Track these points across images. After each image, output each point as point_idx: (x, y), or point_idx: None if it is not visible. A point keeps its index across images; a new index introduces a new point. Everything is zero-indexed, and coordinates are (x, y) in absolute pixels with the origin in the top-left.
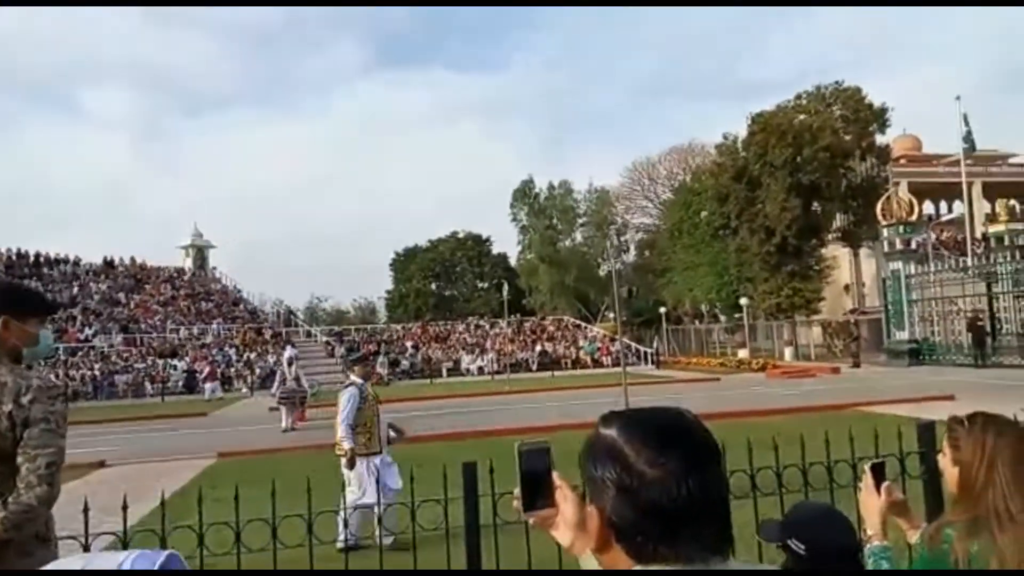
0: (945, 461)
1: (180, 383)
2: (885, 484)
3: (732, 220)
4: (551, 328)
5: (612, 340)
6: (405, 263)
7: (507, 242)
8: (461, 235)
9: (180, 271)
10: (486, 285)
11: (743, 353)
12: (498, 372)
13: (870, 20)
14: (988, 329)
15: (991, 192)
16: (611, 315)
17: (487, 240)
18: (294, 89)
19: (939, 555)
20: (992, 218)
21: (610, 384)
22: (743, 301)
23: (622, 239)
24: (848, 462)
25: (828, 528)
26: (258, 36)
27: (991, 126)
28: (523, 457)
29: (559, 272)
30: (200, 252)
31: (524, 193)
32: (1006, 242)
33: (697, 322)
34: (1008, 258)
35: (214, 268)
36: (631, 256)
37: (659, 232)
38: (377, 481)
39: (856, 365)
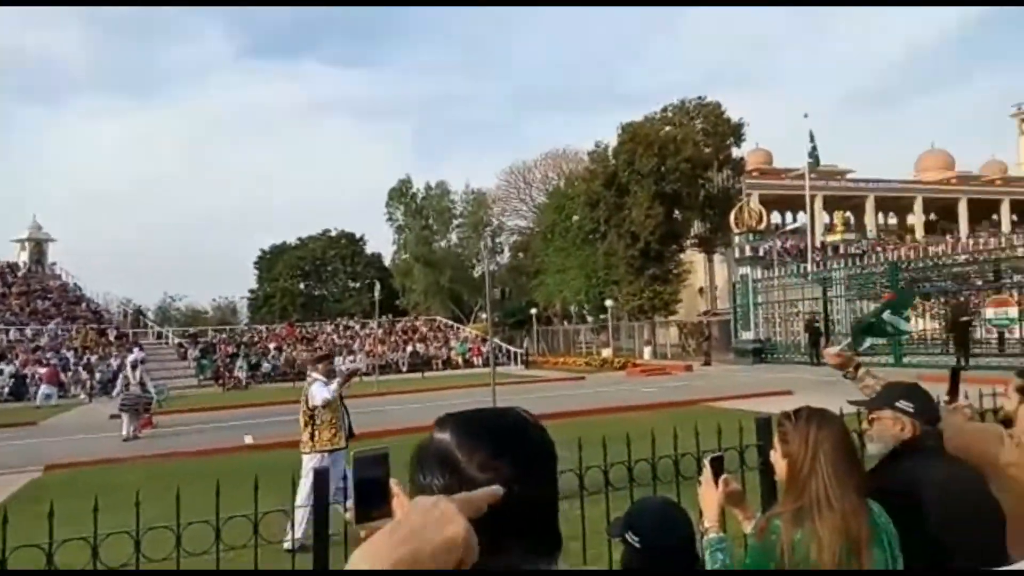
0: (775, 455)
1: (7, 389)
2: (723, 476)
3: (602, 225)
4: (423, 329)
5: (483, 341)
6: (271, 261)
7: (382, 242)
8: (333, 233)
9: (13, 266)
10: (358, 285)
11: (607, 352)
12: (366, 374)
13: (732, 40)
14: (823, 330)
15: (830, 204)
16: (484, 316)
17: (360, 239)
18: (150, 78)
19: (768, 546)
20: (830, 228)
21: (479, 384)
22: (608, 303)
23: (497, 241)
24: (693, 455)
25: (663, 522)
26: (113, 21)
27: (833, 144)
28: (358, 465)
29: (434, 273)
30: (38, 246)
31: (401, 193)
32: (841, 250)
33: (566, 323)
34: (842, 264)
35: (53, 264)
36: (505, 258)
37: (533, 235)
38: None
39: (707, 363)
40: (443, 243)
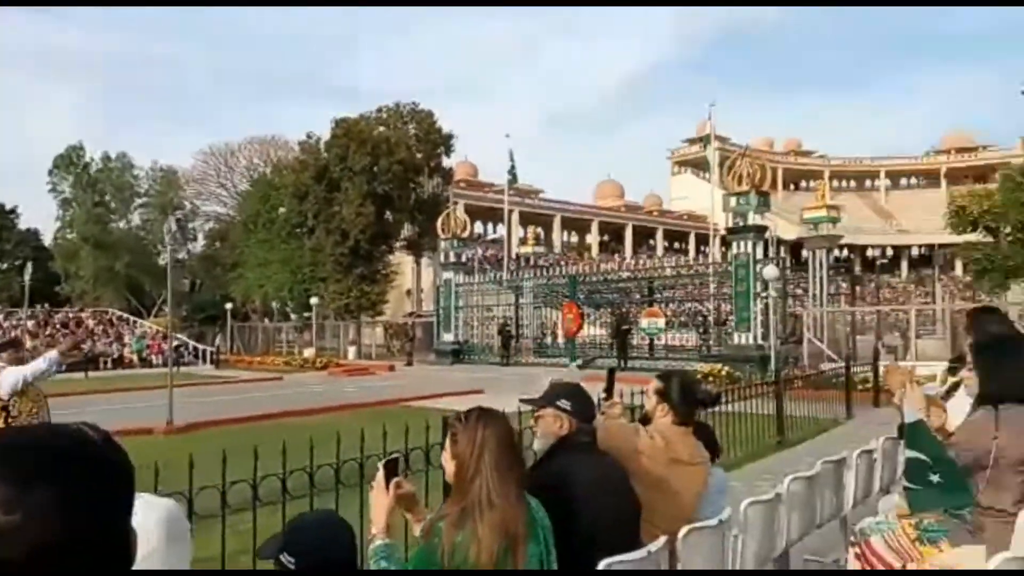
0: (445, 456)
1: None
2: (394, 480)
3: (309, 219)
4: (90, 322)
5: (166, 336)
6: None
7: (41, 216)
8: None
9: None
10: (5, 266)
11: (309, 352)
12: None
13: (449, 52)
14: (513, 333)
15: (526, 219)
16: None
17: (12, 212)
18: None
19: (430, 548)
20: (524, 241)
21: (155, 386)
22: (314, 300)
23: (189, 226)
24: (379, 457)
25: (320, 538)
26: None
27: (532, 164)
28: None
29: (107, 257)
30: None
31: (70, 161)
32: (532, 262)
33: (267, 320)
34: (532, 275)
35: None
36: (199, 246)
37: (233, 223)
38: None
39: (410, 363)
40: (122, 224)
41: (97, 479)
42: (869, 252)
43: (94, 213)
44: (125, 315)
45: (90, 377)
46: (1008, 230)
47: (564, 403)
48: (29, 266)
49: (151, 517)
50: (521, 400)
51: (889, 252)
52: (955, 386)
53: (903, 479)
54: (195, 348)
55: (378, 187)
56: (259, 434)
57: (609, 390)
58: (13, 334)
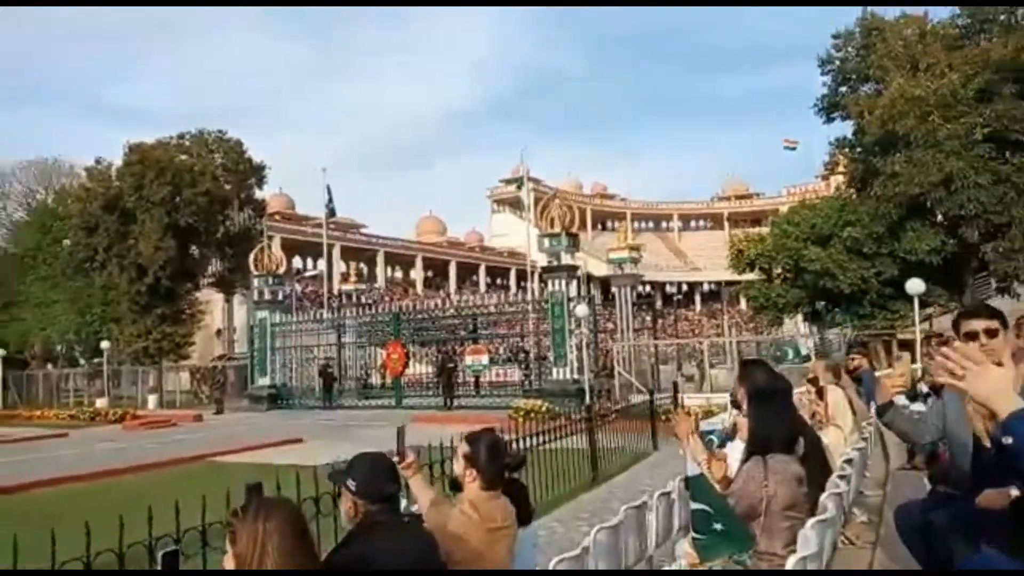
0: (226, 559)
1: None
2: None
3: (100, 253)
4: None
5: None
6: None
7: None
8: None
9: None
10: None
11: (102, 402)
12: None
13: (258, 77)
14: (336, 375)
15: (348, 254)
16: None
17: None
18: None
19: None
20: (346, 277)
21: None
22: (105, 344)
23: None
24: (171, 538)
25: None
26: None
27: (353, 197)
28: None
29: None
30: None
31: None
32: (354, 299)
33: (50, 366)
34: (355, 312)
35: None
36: None
37: (6, 257)
38: None
39: (219, 411)
40: None
41: None
42: (668, 288)
43: None
44: None
45: None
46: (779, 271)
47: (351, 483)
48: None
49: None
50: (328, 476)
51: (684, 288)
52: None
53: (691, 529)
54: None
55: (180, 219)
56: (34, 504)
57: (400, 451)
58: None
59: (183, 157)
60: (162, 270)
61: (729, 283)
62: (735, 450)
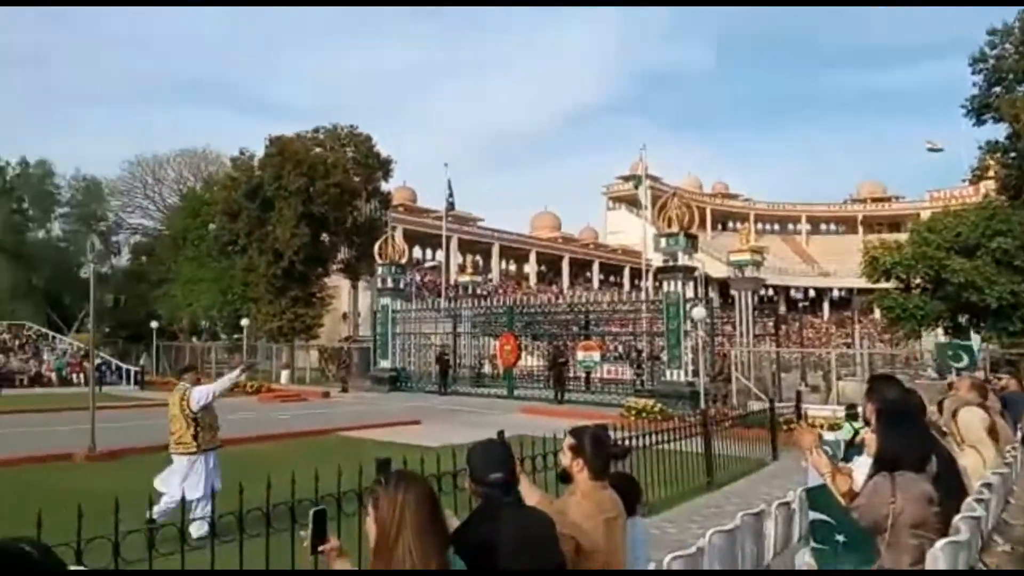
0: (368, 521)
1: None
2: (322, 548)
3: (242, 238)
4: (6, 336)
5: (87, 355)
6: None
7: None
8: None
9: None
10: None
11: None
12: None
13: (389, 74)
14: (451, 362)
15: (464, 246)
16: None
17: None
18: None
19: None
20: (462, 269)
21: (74, 408)
22: (244, 321)
23: (114, 239)
24: (310, 502)
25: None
26: None
27: (471, 191)
28: None
29: (25, 268)
30: None
31: None
32: (470, 290)
33: (195, 339)
34: (470, 303)
35: None
36: (124, 260)
37: (161, 238)
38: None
39: (345, 390)
40: (40, 234)
41: None
42: (793, 293)
43: (11, 221)
44: (44, 330)
45: (4, 395)
46: (918, 281)
47: (469, 469)
48: None
49: None
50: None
51: (811, 294)
52: (856, 433)
53: (811, 540)
54: (118, 367)
55: (314, 208)
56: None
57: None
58: None
59: (317, 150)
60: (296, 255)
61: (862, 291)
62: (862, 465)
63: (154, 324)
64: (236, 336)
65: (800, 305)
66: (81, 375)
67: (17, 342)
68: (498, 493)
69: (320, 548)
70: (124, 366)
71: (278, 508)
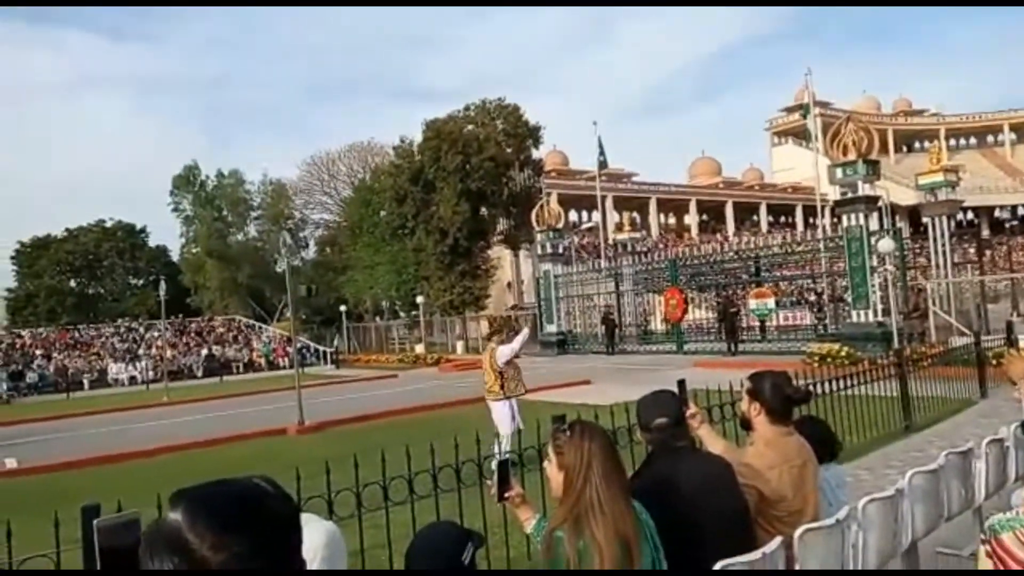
0: (551, 468)
1: None
2: (507, 493)
3: (409, 221)
4: (221, 329)
5: (289, 340)
6: (33, 256)
7: (167, 234)
8: (109, 224)
9: None
10: (141, 282)
11: (420, 348)
12: (154, 380)
13: (529, 43)
14: (617, 321)
15: (620, 204)
16: (289, 314)
17: (142, 231)
18: None
19: (557, 560)
20: (620, 227)
21: (283, 388)
22: (420, 299)
23: (301, 235)
24: (494, 458)
25: (424, 549)
26: None
27: (621, 146)
28: (103, 534)
29: (230, 268)
30: None
31: (188, 180)
32: (629, 248)
33: (378, 319)
34: (630, 261)
35: None
36: (311, 253)
37: (339, 229)
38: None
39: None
40: (240, 236)
41: (276, 528)
42: (997, 213)
43: (214, 228)
44: (251, 321)
45: (224, 381)
46: None
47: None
48: (163, 281)
49: (317, 539)
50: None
51: (1021, 211)
52: None
53: None
54: (316, 349)
55: (471, 184)
56: (383, 432)
57: (683, 401)
58: (156, 344)
59: (470, 127)
60: (459, 231)
61: None
62: None
63: (342, 308)
64: (414, 313)
65: (1008, 226)
66: (285, 359)
67: (230, 334)
68: (666, 437)
69: (505, 495)
70: (320, 348)
71: (466, 464)
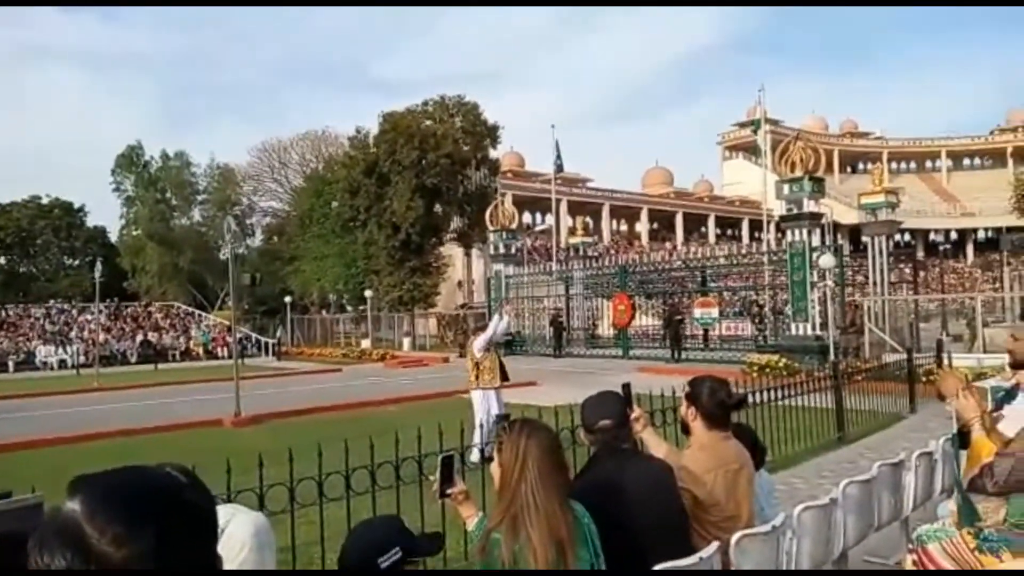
0: (492, 466)
1: None
2: (451, 490)
3: (362, 213)
4: (158, 315)
5: (229, 329)
6: None
7: (107, 215)
8: (45, 201)
9: None
10: (77, 263)
11: (366, 343)
12: (85, 365)
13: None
14: (565, 324)
15: (574, 209)
16: (231, 302)
17: (80, 210)
18: None
19: (491, 561)
20: (573, 231)
21: (221, 378)
22: (368, 293)
23: (247, 222)
24: (435, 454)
25: (354, 543)
26: None
27: (579, 152)
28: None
29: (171, 253)
30: None
31: (131, 160)
32: (581, 252)
33: (324, 312)
34: (581, 265)
35: None
36: (257, 241)
37: (289, 218)
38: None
39: (462, 355)
40: (183, 221)
41: (189, 522)
42: (932, 236)
43: (156, 210)
44: (191, 309)
45: (159, 369)
46: None
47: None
48: (99, 263)
49: (244, 530)
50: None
51: (953, 236)
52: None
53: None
54: (257, 340)
55: (427, 180)
56: (322, 426)
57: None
58: (89, 327)
59: (428, 122)
60: (412, 227)
61: (1012, 229)
62: (1016, 412)
63: (287, 299)
64: (361, 307)
65: (941, 249)
66: (225, 349)
67: (168, 320)
68: (610, 439)
69: (447, 492)
70: (263, 339)
71: (406, 461)
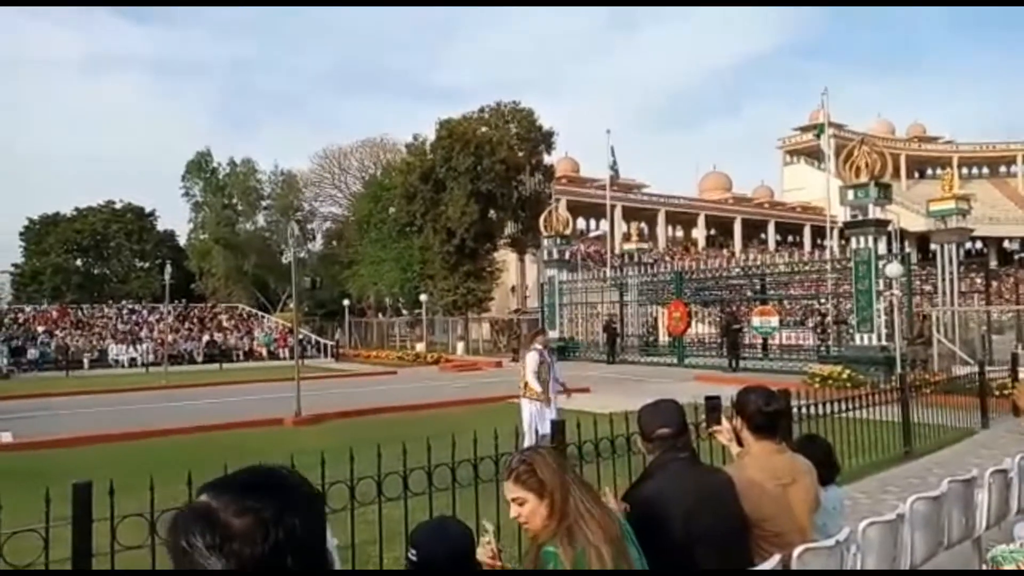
0: (526, 505)
1: None
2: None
3: (418, 219)
4: (223, 317)
5: (291, 331)
6: (41, 233)
7: (176, 219)
8: (118, 205)
9: None
10: (147, 265)
11: (420, 347)
12: (154, 364)
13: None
14: (619, 330)
15: (629, 215)
16: (292, 305)
17: (151, 214)
18: None
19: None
20: (627, 237)
21: (283, 378)
22: (423, 297)
23: (308, 227)
24: (492, 459)
25: (437, 536)
26: None
27: (631, 157)
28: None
29: (237, 256)
30: None
31: (200, 167)
32: (635, 258)
33: (380, 315)
34: (636, 272)
35: None
36: (317, 245)
37: (347, 223)
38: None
39: (516, 360)
40: (248, 225)
41: (303, 499)
42: (1006, 244)
43: (223, 215)
44: (254, 311)
45: (224, 368)
46: None
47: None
48: (168, 265)
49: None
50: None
51: None
52: None
53: None
54: (316, 342)
55: (482, 186)
56: (379, 427)
57: (708, 418)
58: (158, 327)
59: (483, 129)
60: (467, 232)
61: None
62: None
63: (345, 302)
64: (416, 311)
65: (1016, 257)
66: (286, 350)
67: (232, 322)
68: (667, 447)
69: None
70: (321, 340)
71: (462, 464)
